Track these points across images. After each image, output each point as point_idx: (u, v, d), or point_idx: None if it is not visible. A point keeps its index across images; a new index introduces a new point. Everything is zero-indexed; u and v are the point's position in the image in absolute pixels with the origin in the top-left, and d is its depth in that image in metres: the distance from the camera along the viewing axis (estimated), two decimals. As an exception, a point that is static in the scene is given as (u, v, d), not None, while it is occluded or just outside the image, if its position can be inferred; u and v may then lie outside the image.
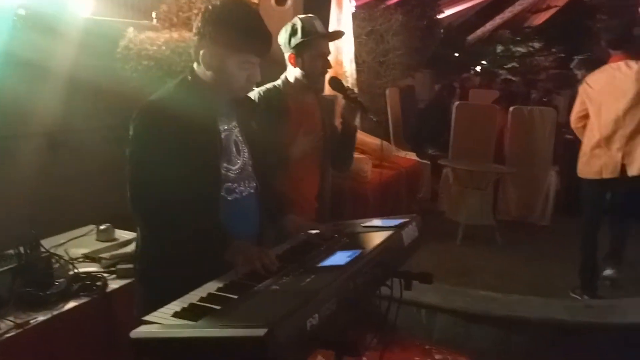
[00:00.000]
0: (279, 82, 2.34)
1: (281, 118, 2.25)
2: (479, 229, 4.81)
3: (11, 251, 1.92)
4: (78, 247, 2.38)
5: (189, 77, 1.64)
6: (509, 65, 12.04)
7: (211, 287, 1.36)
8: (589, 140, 3.61)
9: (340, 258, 1.44)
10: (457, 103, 5.83)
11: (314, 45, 2.23)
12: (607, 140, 3.48)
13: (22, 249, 1.91)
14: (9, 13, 2.74)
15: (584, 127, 3.64)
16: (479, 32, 11.75)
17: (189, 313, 1.20)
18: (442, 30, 8.36)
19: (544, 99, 6.40)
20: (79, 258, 2.26)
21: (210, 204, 1.58)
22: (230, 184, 1.64)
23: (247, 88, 1.67)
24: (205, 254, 1.49)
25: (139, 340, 1.14)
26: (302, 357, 1.22)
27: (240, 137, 1.71)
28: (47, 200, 3.02)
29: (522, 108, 5.55)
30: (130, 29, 3.25)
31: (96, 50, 3.20)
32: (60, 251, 2.21)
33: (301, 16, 2.28)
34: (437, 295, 3.37)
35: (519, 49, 12.27)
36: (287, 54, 2.28)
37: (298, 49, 2.23)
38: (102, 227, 2.58)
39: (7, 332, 1.63)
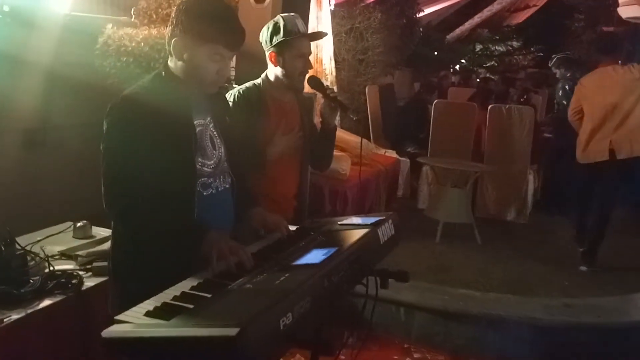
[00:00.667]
0: (259, 80, 2.33)
1: (260, 116, 2.25)
2: (458, 227, 4.85)
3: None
4: (54, 245, 2.36)
5: (163, 73, 1.64)
6: (488, 64, 12.18)
7: (185, 285, 1.36)
8: (584, 131, 4.27)
9: (315, 256, 1.45)
10: (435, 101, 5.87)
11: (295, 44, 2.22)
12: (599, 130, 4.16)
13: (-5, 247, 1.89)
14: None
15: (580, 120, 4.32)
16: (457, 31, 11.84)
17: (162, 312, 1.20)
18: (421, 29, 8.42)
19: (522, 98, 6.47)
20: (55, 255, 2.24)
21: (185, 199, 1.58)
22: (205, 178, 1.64)
23: (217, 82, 1.65)
24: (180, 250, 1.49)
25: (110, 340, 1.13)
26: (276, 356, 1.23)
27: (215, 132, 1.71)
28: (24, 197, 2.98)
29: (500, 107, 5.60)
30: (109, 25, 3.22)
31: (75, 47, 3.17)
32: (36, 248, 2.19)
33: (284, 15, 2.28)
34: (415, 294, 3.39)
35: (498, 47, 12.43)
36: (267, 52, 2.27)
37: (279, 48, 2.22)
38: (79, 224, 2.56)
39: (-21, 331, 1.61)
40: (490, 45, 12.63)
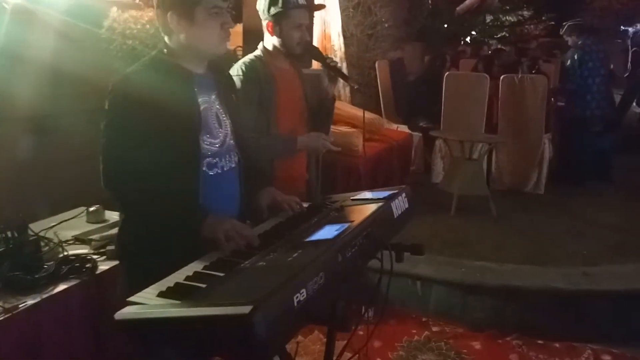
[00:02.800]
0: (258, 52, 2.30)
1: (269, 86, 2.22)
2: (473, 200, 4.80)
3: (-1, 235, 1.90)
4: (68, 230, 2.36)
5: (165, 50, 1.60)
6: (499, 35, 11.92)
7: (197, 265, 1.35)
8: None
9: (328, 232, 1.42)
10: (447, 73, 5.77)
11: (292, 15, 2.19)
12: None
13: (9, 233, 1.89)
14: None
15: None
16: (467, 2, 11.57)
17: (174, 292, 1.19)
18: (430, 2, 8.24)
19: (534, 68, 6.34)
20: (69, 240, 2.24)
21: (189, 179, 1.55)
22: (211, 158, 1.60)
23: (225, 38, 1.60)
24: (184, 230, 1.47)
25: (123, 322, 1.12)
26: (291, 333, 1.21)
27: (221, 110, 1.67)
28: (37, 183, 2.98)
29: (512, 77, 5.49)
30: (114, 9, 3.18)
31: (80, 32, 3.14)
32: (50, 234, 2.18)
33: None
34: (431, 267, 3.38)
35: (509, 18, 12.14)
36: (265, 22, 2.25)
37: (276, 18, 2.19)
38: (92, 208, 2.56)
39: (-5, 317, 1.61)
40: (501, 16, 12.32)
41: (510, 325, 3.15)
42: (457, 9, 11.06)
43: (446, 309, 3.27)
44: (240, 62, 2.24)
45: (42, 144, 3.17)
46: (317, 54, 2.32)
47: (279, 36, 2.22)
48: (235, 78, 2.13)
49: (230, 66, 2.22)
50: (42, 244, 2.01)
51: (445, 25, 10.36)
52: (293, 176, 2.32)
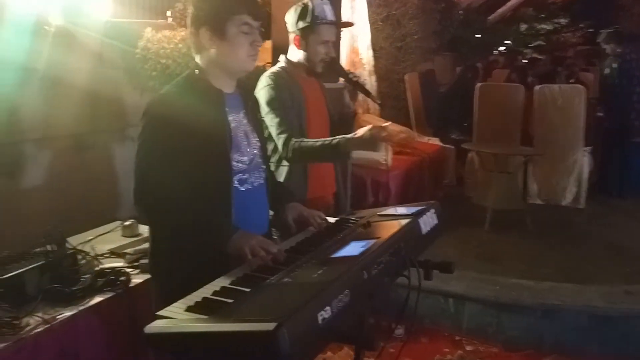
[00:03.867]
0: (281, 64, 2.32)
1: (298, 94, 2.24)
2: (508, 214, 4.70)
3: (39, 249, 1.97)
4: (104, 243, 2.43)
5: (196, 71, 1.65)
6: (534, 44, 11.71)
7: (225, 280, 1.37)
8: None
9: (354, 248, 1.42)
10: (479, 84, 5.70)
11: (320, 31, 2.21)
12: None
13: (49, 247, 1.96)
14: (38, 26, 2.81)
15: None
16: (500, 11, 11.44)
17: (202, 307, 1.21)
18: (461, 12, 8.18)
19: (572, 77, 6.20)
20: (104, 254, 2.31)
21: (220, 195, 1.58)
22: (242, 174, 1.64)
23: (254, 55, 1.65)
24: (213, 245, 1.50)
25: (152, 336, 1.15)
26: (316, 350, 1.21)
27: (249, 127, 1.72)
28: (76, 199, 3.08)
29: (548, 87, 5.37)
30: (148, 29, 3.29)
31: (117, 52, 3.26)
32: (87, 248, 2.26)
33: None
34: (464, 284, 3.31)
35: (544, 26, 11.91)
36: (292, 35, 2.26)
37: (304, 32, 2.21)
38: (126, 223, 2.63)
39: (35, 327, 1.67)
40: (536, 24, 12.11)
41: (547, 345, 3.06)
42: (489, 18, 10.96)
43: (480, 328, 3.20)
44: (265, 74, 2.26)
45: (81, 160, 3.28)
46: (339, 70, 2.33)
47: (304, 50, 2.24)
48: (265, 89, 2.17)
49: (253, 85, 2.25)
50: (80, 257, 2.08)
51: (478, 35, 10.26)
52: (323, 189, 2.33)
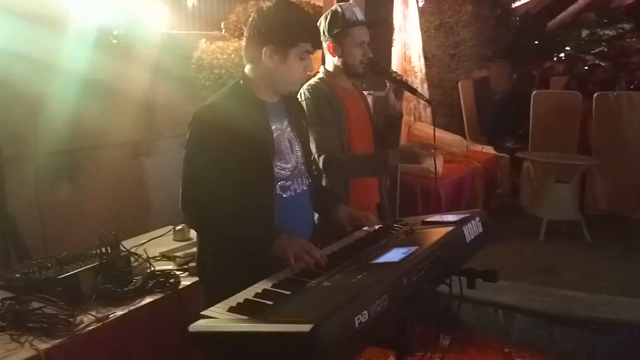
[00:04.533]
0: (320, 75, 2.29)
1: (338, 106, 2.21)
2: (564, 225, 4.54)
3: (95, 251, 2.07)
4: (156, 247, 2.52)
5: (241, 81, 1.70)
6: (596, 50, 11.22)
7: (267, 283, 1.40)
8: None
9: (395, 255, 1.42)
10: (535, 92, 5.53)
11: (354, 33, 2.18)
12: None
13: (104, 249, 2.06)
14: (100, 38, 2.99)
15: None
16: (560, 17, 11.05)
17: (243, 308, 1.24)
18: (517, 19, 7.97)
19: (633, 84, 5.91)
20: (156, 257, 2.39)
21: (263, 201, 1.62)
22: (284, 181, 1.68)
23: (303, 79, 1.73)
24: (258, 249, 1.53)
25: (196, 334, 1.19)
26: (352, 353, 1.21)
27: (292, 135, 1.75)
28: (132, 203, 3.23)
29: (608, 94, 5.16)
30: (202, 41, 3.41)
31: (172, 63, 3.40)
32: (140, 250, 2.35)
33: (341, 4, 2.26)
34: (515, 295, 3.22)
35: (607, 31, 11.39)
36: (325, 44, 2.23)
37: (337, 38, 2.19)
38: (178, 227, 2.71)
39: (88, 325, 1.74)
40: (599, 30, 11.61)
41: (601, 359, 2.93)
42: (549, 24, 10.62)
43: (531, 340, 3.11)
44: (303, 87, 2.21)
45: (137, 167, 3.44)
46: (381, 70, 2.26)
47: (340, 56, 2.21)
48: (303, 103, 2.14)
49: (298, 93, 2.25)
50: (132, 259, 2.17)
51: (536, 42, 9.96)
52: (365, 201, 2.29)
